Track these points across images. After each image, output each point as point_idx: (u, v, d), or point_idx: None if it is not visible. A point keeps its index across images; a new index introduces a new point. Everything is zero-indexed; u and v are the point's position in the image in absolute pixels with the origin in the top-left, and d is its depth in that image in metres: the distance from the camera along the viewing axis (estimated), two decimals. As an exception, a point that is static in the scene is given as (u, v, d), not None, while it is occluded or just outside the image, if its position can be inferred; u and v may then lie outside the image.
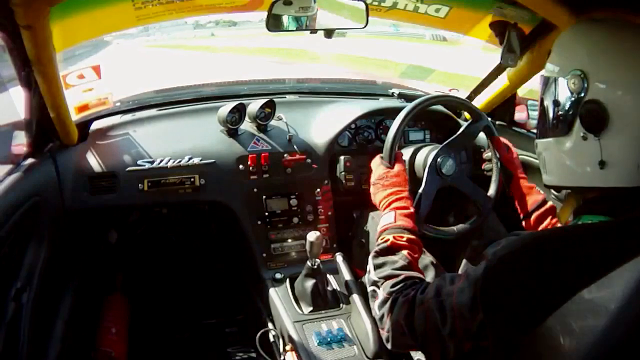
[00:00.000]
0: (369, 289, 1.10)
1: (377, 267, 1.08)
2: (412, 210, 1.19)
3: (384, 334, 1.02)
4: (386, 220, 1.16)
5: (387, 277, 1.04)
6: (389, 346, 1.02)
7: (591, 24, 0.93)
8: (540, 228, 1.29)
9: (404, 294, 0.97)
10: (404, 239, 1.10)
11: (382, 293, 1.02)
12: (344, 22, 1.49)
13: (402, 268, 1.05)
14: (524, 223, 1.33)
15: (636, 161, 0.80)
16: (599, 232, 0.77)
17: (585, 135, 0.84)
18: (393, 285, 1.02)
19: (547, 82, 0.93)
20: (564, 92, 0.88)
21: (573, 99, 0.86)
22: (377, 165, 1.32)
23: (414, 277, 1.04)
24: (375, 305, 1.05)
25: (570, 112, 0.87)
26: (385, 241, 1.11)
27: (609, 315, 0.62)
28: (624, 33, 0.86)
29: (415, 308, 0.92)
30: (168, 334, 2.01)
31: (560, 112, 0.89)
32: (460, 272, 1.27)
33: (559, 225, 1.26)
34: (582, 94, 0.84)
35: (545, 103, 0.94)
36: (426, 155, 1.48)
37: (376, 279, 1.06)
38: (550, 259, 0.73)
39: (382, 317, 1.01)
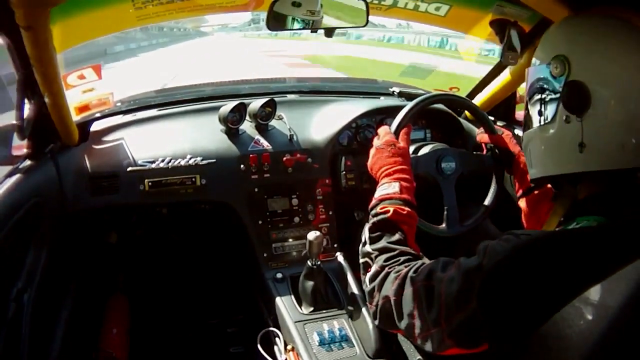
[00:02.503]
0: (361, 260, 1.06)
1: (373, 239, 1.06)
2: (414, 184, 1.16)
3: (372, 308, 1.00)
4: (390, 190, 1.12)
5: (381, 250, 1.02)
6: (376, 322, 1.00)
7: (573, 18, 0.95)
8: (536, 206, 1.28)
9: (396, 270, 0.95)
10: (405, 212, 1.07)
11: (374, 266, 1.00)
12: (344, 21, 1.49)
13: (398, 242, 1.03)
14: (521, 201, 1.33)
15: (619, 142, 0.80)
16: (597, 235, 0.76)
17: (568, 118, 0.85)
18: (387, 259, 0.99)
19: (531, 73, 0.95)
20: (547, 78, 0.89)
21: (556, 83, 0.87)
22: (387, 133, 1.29)
23: (409, 253, 1.01)
24: (366, 278, 1.02)
25: (554, 97, 0.87)
26: (386, 212, 1.07)
27: (609, 317, 0.62)
28: (603, 22, 0.87)
29: (406, 287, 0.90)
30: (169, 334, 2.01)
31: (544, 99, 0.90)
32: None
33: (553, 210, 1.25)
34: (565, 77, 0.85)
35: (530, 94, 0.94)
36: (434, 146, 1.52)
37: (370, 250, 1.04)
38: (550, 262, 0.72)
39: (372, 290, 0.99)
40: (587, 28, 0.88)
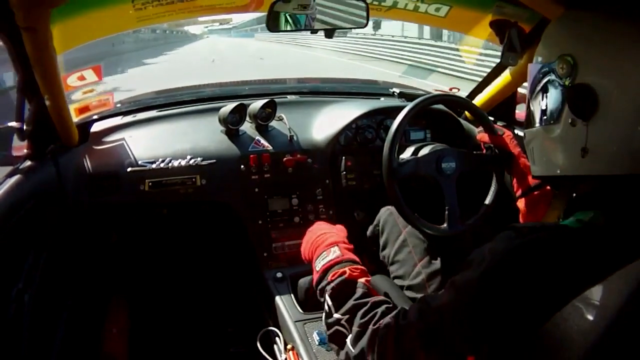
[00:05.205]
0: (331, 330, 0.98)
1: (337, 305, 0.99)
2: (352, 246, 1.11)
3: None
4: (331, 255, 1.06)
5: (352, 311, 0.95)
6: None
7: (579, 12, 0.88)
8: (534, 208, 1.27)
9: (384, 325, 0.88)
10: (360, 270, 1.03)
11: (354, 328, 0.93)
12: (344, 21, 1.49)
13: (364, 295, 0.97)
14: (519, 202, 1.32)
15: (625, 148, 0.77)
16: (598, 234, 0.75)
17: (573, 121, 0.81)
18: (363, 316, 0.92)
19: (535, 71, 0.91)
20: (552, 77, 0.85)
21: (562, 83, 0.83)
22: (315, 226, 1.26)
23: (381, 302, 0.96)
24: (348, 343, 0.93)
25: (559, 98, 0.83)
26: (340, 274, 1.01)
27: (610, 317, 0.62)
28: (612, 19, 0.82)
29: (404, 337, 0.83)
30: (169, 334, 2.01)
31: (548, 99, 0.86)
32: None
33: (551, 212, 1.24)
34: (571, 78, 0.81)
35: (534, 92, 0.91)
36: (434, 146, 1.52)
37: (339, 316, 0.97)
38: (550, 261, 0.71)
39: (360, 353, 0.89)
40: (595, 26, 0.82)
